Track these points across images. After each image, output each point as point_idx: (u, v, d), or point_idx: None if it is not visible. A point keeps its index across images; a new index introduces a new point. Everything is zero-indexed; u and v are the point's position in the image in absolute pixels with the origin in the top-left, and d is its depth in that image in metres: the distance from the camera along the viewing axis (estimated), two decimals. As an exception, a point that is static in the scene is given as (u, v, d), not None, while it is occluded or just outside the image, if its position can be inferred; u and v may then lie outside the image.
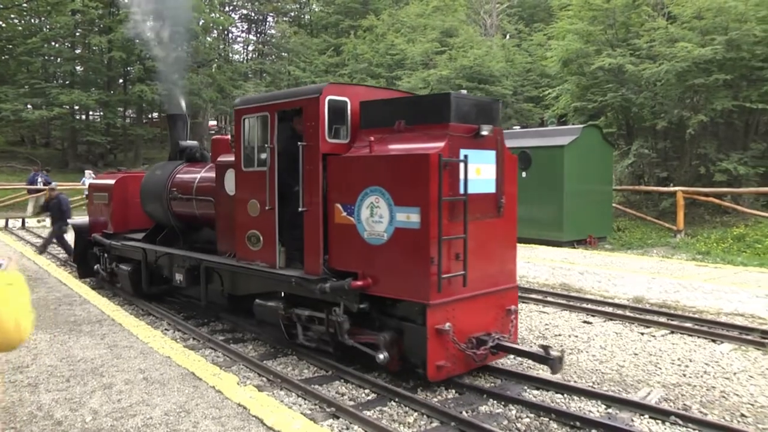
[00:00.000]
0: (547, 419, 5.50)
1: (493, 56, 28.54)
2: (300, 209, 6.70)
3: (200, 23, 40.14)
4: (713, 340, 7.88)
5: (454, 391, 6.21)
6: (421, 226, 5.76)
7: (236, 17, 51.88)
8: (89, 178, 27.66)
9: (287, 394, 6.16)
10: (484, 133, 6.15)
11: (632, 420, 5.51)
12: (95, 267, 11.65)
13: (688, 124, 18.41)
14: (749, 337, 7.84)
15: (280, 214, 7.07)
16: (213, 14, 42.78)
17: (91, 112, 41.04)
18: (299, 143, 6.79)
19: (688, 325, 8.49)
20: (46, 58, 38.73)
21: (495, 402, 5.89)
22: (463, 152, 6.03)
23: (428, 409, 5.64)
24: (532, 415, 5.59)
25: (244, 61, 52.11)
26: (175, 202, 9.59)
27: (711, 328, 8.34)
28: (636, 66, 19.41)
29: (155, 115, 51.60)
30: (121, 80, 41.12)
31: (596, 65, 20.05)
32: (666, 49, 18.56)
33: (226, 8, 50.22)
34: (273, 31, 52.20)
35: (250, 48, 55.21)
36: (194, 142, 10.79)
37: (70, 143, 39.34)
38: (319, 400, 5.87)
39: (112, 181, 11.28)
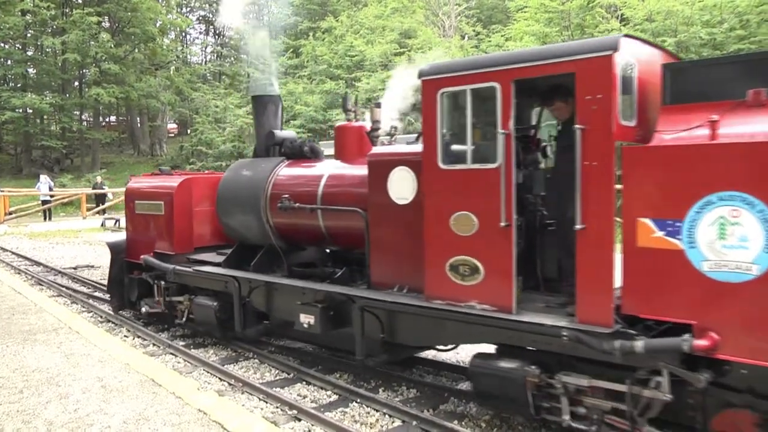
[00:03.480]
0: (508, 415, 5.59)
1: (452, 57, 28.77)
2: (577, 227, 4.52)
3: (157, 25, 39.59)
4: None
5: (415, 390, 6.26)
6: None
7: (194, 19, 51.33)
8: (45, 183, 27.06)
9: (249, 398, 6.13)
10: None
11: None
12: (140, 300, 8.96)
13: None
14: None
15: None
16: (170, 16, 42.21)
17: (45, 116, 40.11)
18: (562, 127, 5.26)
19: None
20: (-5, 60, 37.78)
21: (456, 399, 5.96)
22: None
23: (390, 408, 5.68)
24: (492, 412, 5.67)
25: (203, 64, 51.56)
26: (282, 213, 6.98)
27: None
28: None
29: (113, 118, 50.81)
30: (76, 83, 40.24)
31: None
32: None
33: (183, 10, 49.65)
34: (231, 33, 51.73)
35: (209, 50, 54.67)
36: (292, 132, 8.36)
37: (23, 148, 38.37)
38: (281, 403, 5.86)
39: (172, 184, 8.44)
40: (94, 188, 28.86)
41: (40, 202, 27.26)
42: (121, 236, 9.52)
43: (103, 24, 37.60)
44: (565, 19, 21.35)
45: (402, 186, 5.75)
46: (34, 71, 39.00)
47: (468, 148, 5.12)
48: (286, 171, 7.41)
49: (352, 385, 6.27)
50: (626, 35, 4.63)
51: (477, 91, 5.07)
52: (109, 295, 9.63)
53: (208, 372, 7.01)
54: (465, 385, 6.29)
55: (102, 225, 23.97)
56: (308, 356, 7.49)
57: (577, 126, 4.53)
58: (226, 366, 7.14)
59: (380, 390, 6.25)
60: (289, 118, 33.06)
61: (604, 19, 20.69)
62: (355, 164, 6.76)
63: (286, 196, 6.87)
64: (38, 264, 15.20)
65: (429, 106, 5.30)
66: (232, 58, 49.44)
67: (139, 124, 45.29)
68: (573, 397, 4.73)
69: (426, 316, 5.42)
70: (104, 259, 16.04)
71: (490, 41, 32.79)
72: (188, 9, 51.34)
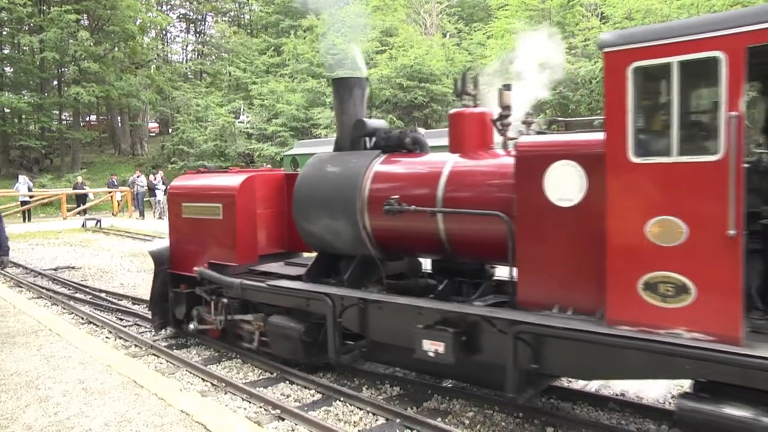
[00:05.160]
0: (491, 411, 5.63)
1: (434, 55, 28.79)
2: None
3: (137, 23, 39.24)
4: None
5: (399, 388, 6.28)
6: None
7: (174, 17, 50.96)
8: (23, 184, 26.71)
9: (232, 398, 6.11)
10: None
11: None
12: (189, 318, 7.91)
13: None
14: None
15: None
16: (150, 13, 41.85)
17: (23, 116, 39.60)
18: None
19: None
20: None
21: (440, 396, 5.99)
22: None
23: (373, 407, 5.69)
24: (476, 408, 5.71)
25: (184, 62, 51.21)
26: (385, 217, 5.83)
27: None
28: (572, 64, 19.96)
29: (93, 118, 50.29)
30: (55, 82, 39.77)
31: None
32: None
33: (164, 7, 49.25)
34: (212, 31, 51.47)
35: (190, 48, 54.31)
36: (382, 122, 7.08)
37: (1, 148, 37.83)
38: (264, 403, 5.85)
39: (233, 183, 7.25)
40: (74, 188, 28.57)
41: (19, 202, 26.91)
42: (164, 243, 8.24)
43: (81, 22, 37.18)
44: (546, 17, 21.49)
45: (565, 184, 4.69)
46: (11, 70, 38.47)
47: (673, 136, 4.07)
48: (386, 167, 6.18)
49: (336, 384, 6.27)
50: None
51: (689, 63, 4.02)
52: (150, 313, 8.45)
53: (190, 372, 6.97)
54: (448, 383, 6.31)
55: (83, 225, 23.73)
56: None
57: None
58: (209, 366, 7.11)
59: (364, 388, 6.26)
60: (271, 117, 32.96)
61: (585, 17, 20.87)
62: (480, 158, 5.72)
63: (396, 196, 5.73)
64: (17, 265, 15.01)
65: (615, 84, 4.25)
66: (214, 57, 49.17)
67: (119, 124, 44.89)
68: None
69: (604, 344, 4.36)
70: (84, 259, 15.92)
71: (471, 39, 32.93)
72: (168, 7, 50.94)
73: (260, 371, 6.99)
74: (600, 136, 4.50)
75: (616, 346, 4.31)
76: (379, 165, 6.21)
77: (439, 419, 5.42)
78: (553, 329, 4.59)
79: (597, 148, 4.47)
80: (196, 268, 7.43)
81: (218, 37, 48.29)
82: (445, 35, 35.11)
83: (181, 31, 54.37)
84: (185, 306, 7.87)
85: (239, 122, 35.79)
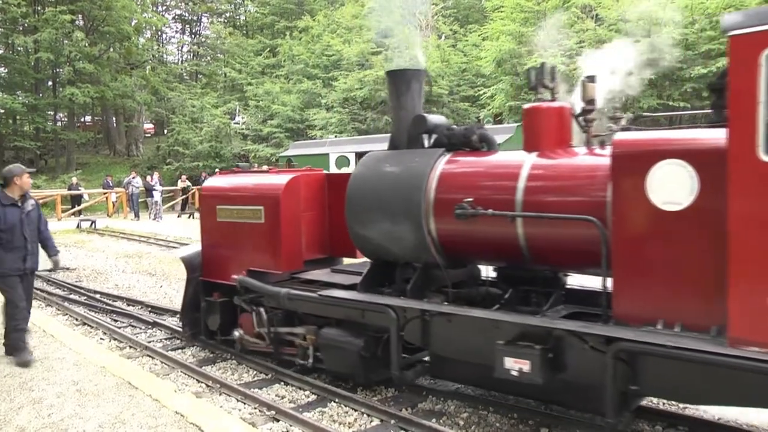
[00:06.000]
0: (486, 412, 5.64)
1: (429, 56, 28.85)
2: None
3: (132, 23, 39.18)
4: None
5: (393, 389, 6.28)
6: None
7: (170, 17, 50.91)
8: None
9: (227, 400, 6.11)
10: None
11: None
12: (223, 328, 7.35)
13: (617, 122, 19.17)
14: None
15: None
16: (145, 14, 41.79)
17: (18, 117, 39.49)
18: None
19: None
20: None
21: (434, 398, 5.99)
22: None
23: (368, 408, 5.69)
24: (470, 410, 5.72)
25: (179, 63, 51.15)
26: (455, 221, 5.27)
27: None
28: (567, 66, 20.01)
29: (88, 118, 50.17)
30: (50, 83, 39.67)
31: (529, 65, 20.58)
32: (595, 50, 19.26)
33: (159, 8, 49.19)
34: (208, 32, 51.43)
35: (185, 49, 54.26)
36: (442, 117, 6.45)
37: (-5, 149, 37.76)
38: (259, 404, 5.85)
39: (278, 183, 6.73)
40: (69, 189, 28.50)
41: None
42: (194, 248, 7.74)
43: (76, 22, 37.11)
44: (541, 19, 21.55)
45: (671, 186, 4.19)
46: (6, 70, 38.37)
47: None
48: (453, 167, 5.65)
49: (331, 385, 6.27)
50: None
51: None
52: (181, 322, 8.01)
53: (185, 374, 6.96)
54: (442, 384, 6.31)
55: (77, 226, 23.67)
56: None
57: None
58: (203, 367, 7.10)
59: (358, 389, 6.26)
60: (267, 118, 32.94)
61: (579, 19, 20.95)
62: (562, 157, 5.20)
63: (470, 199, 5.20)
64: (11, 267, 14.95)
65: (744, 72, 3.72)
66: (209, 58, 49.14)
67: (114, 124, 44.81)
68: None
69: (728, 368, 3.84)
70: (79, 260, 15.88)
71: (466, 40, 32.98)
72: (164, 8, 50.89)
73: (255, 372, 6.98)
74: (709, 132, 4.12)
75: (743, 370, 3.76)
76: (445, 165, 5.67)
77: (434, 420, 5.43)
78: (665, 349, 4.02)
79: (711, 144, 3.99)
80: (235, 276, 6.88)
81: (214, 38, 48.26)
82: (440, 37, 35.16)
83: (176, 32, 54.36)
84: (219, 316, 7.30)
85: (234, 123, 35.80)
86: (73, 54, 34.37)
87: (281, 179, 6.74)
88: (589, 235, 4.61)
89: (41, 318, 8.99)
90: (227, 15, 52.43)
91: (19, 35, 35.34)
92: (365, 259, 6.51)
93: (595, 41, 19.56)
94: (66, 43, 34.91)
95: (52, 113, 39.86)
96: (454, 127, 6.06)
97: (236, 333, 7.04)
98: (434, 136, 6.10)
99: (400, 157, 6.02)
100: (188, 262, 7.58)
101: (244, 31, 48.27)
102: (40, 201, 28.16)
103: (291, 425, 5.40)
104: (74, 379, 6.16)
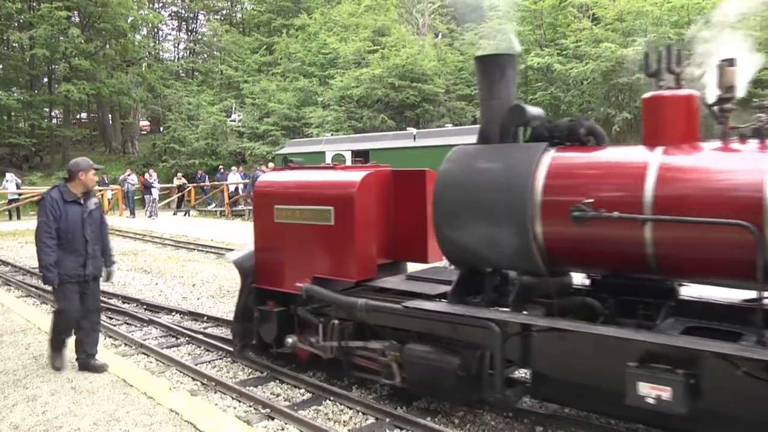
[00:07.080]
0: (481, 411, 5.64)
1: (426, 55, 28.85)
2: None
3: (129, 20, 39.09)
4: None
5: (388, 387, 6.27)
6: None
7: (166, 14, 50.80)
8: (11, 181, 26.52)
9: (222, 398, 6.10)
10: None
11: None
12: (279, 341, 6.53)
13: (613, 121, 19.19)
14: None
15: None
16: (141, 11, 41.70)
17: (13, 113, 39.37)
18: None
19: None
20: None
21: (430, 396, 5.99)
22: None
23: (363, 406, 5.69)
24: (465, 408, 5.72)
25: (175, 60, 51.04)
26: (566, 225, 4.68)
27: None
28: (564, 65, 20.04)
29: (83, 115, 50.06)
30: (45, 79, 39.55)
31: (526, 64, 20.60)
32: (591, 49, 19.29)
33: (155, 5, 49.07)
34: (204, 29, 51.36)
35: (181, 46, 54.18)
36: (539, 109, 5.61)
37: (-10, 145, 37.66)
38: (254, 402, 5.84)
39: (351, 180, 6.01)
40: (64, 186, 28.36)
41: (7, 200, 26.73)
42: (246, 251, 6.94)
43: (72, 19, 37.01)
44: (538, 18, 21.56)
45: None
46: (0, 67, 38.24)
47: None
48: (561, 163, 4.95)
49: (326, 383, 6.27)
50: None
51: None
52: (231, 333, 7.18)
53: (180, 372, 6.94)
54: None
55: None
56: None
57: None
58: (198, 365, 7.09)
59: (354, 388, 6.26)
60: (263, 116, 32.88)
61: (576, 18, 20.96)
62: (696, 152, 4.49)
63: (590, 200, 4.55)
64: (6, 264, 14.92)
65: None
66: (205, 55, 49.07)
67: (110, 122, 44.70)
68: None
69: None
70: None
71: (463, 39, 33.00)
72: (160, 4, 50.76)
73: (250, 370, 6.97)
74: None
75: None
76: (552, 161, 4.94)
77: (429, 418, 5.43)
78: None
79: None
80: (299, 284, 6.12)
81: (210, 35, 48.21)
82: (437, 35, 35.16)
83: (172, 29, 54.28)
84: (276, 327, 6.54)
85: (231, 121, 35.75)
86: (68, 50, 34.33)
87: (354, 176, 6.03)
88: (738, 241, 3.97)
89: (36, 315, 8.97)
90: (224, 12, 52.36)
91: (14, 31, 35.25)
92: (430, 264, 6.25)
93: (592, 41, 19.59)
94: (62, 40, 34.85)
95: (47, 110, 39.77)
96: (552, 119, 5.53)
97: (289, 340, 6.46)
98: (530, 129, 5.42)
99: (496, 153, 5.30)
100: (241, 266, 6.85)
101: (241, 29, 48.22)
102: (35, 198, 28.24)
103: (286, 423, 5.39)
104: (69, 377, 6.14)
